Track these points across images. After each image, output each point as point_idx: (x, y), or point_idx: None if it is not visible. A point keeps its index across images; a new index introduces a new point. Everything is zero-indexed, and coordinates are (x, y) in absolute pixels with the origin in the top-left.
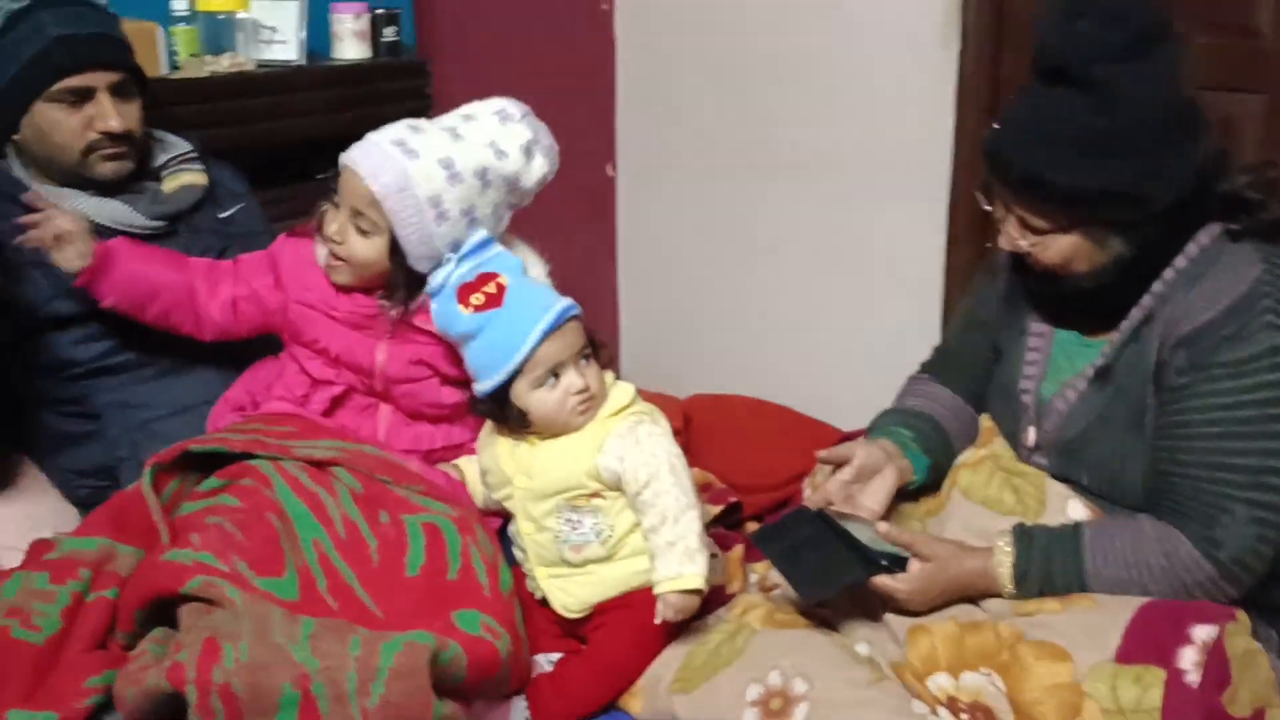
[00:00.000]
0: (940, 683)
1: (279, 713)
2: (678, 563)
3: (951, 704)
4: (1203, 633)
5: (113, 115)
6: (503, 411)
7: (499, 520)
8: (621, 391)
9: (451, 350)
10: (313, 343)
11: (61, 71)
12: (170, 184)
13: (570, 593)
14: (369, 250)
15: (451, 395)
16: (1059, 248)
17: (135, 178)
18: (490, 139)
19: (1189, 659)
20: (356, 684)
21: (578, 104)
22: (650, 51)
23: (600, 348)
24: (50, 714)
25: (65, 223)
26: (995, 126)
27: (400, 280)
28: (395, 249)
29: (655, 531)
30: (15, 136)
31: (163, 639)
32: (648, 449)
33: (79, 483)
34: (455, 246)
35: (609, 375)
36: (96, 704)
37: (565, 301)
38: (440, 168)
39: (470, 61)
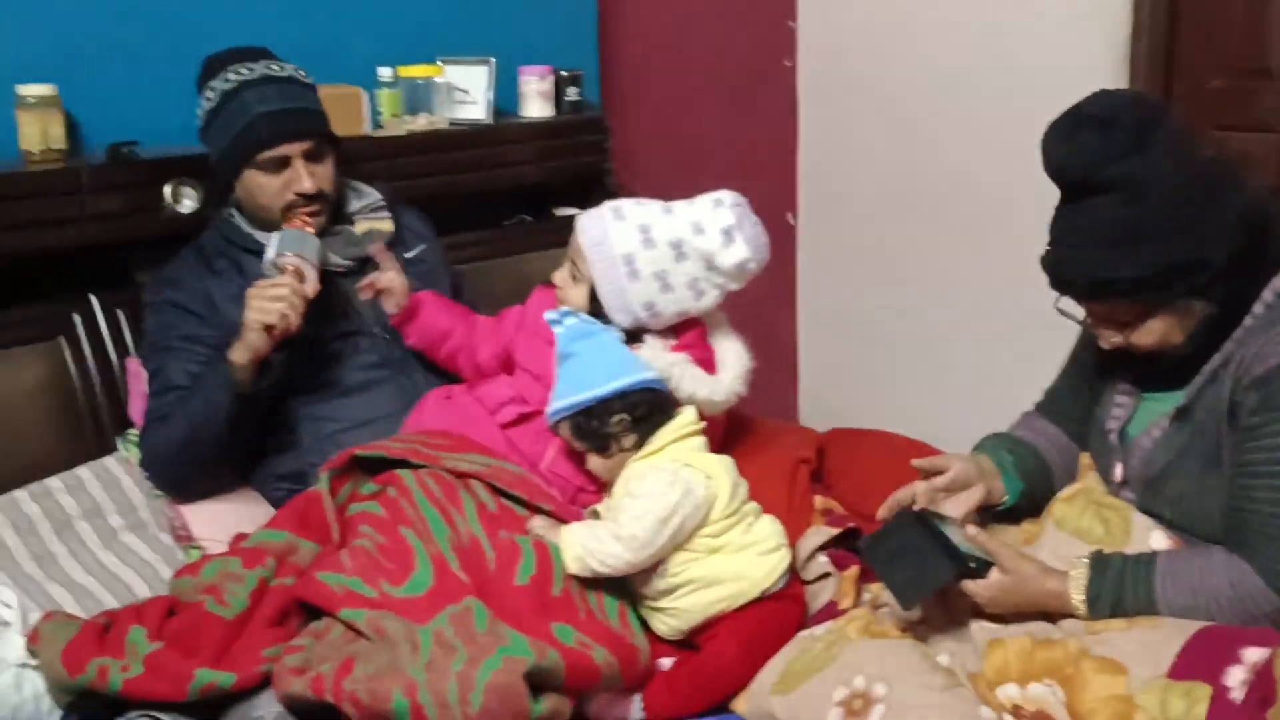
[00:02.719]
0: (1009, 692)
1: (395, 714)
2: (582, 542)
3: (1016, 711)
4: (1253, 654)
5: (306, 179)
6: None
7: None
8: (653, 443)
9: None
10: (527, 362)
11: (261, 145)
12: (361, 228)
13: (663, 621)
14: (576, 296)
15: None
16: (1152, 331)
17: (332, 221)
18: (695, 219)
19: (1236, 678)
20: (457, 695)
21: (759, 155)
22: (830, 105)
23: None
24: (230, 675)
25: (393, 278)
26: (1047, 249)
27: None
28: (595, 298)
29: (607, 516)
30: (236, 195)
31: (318, 633)
32: (648, 483)
33: (276, 486)
34: (650, 306)
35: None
36: (268, 671)
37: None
38: (638, 232)
39: (653, 118)
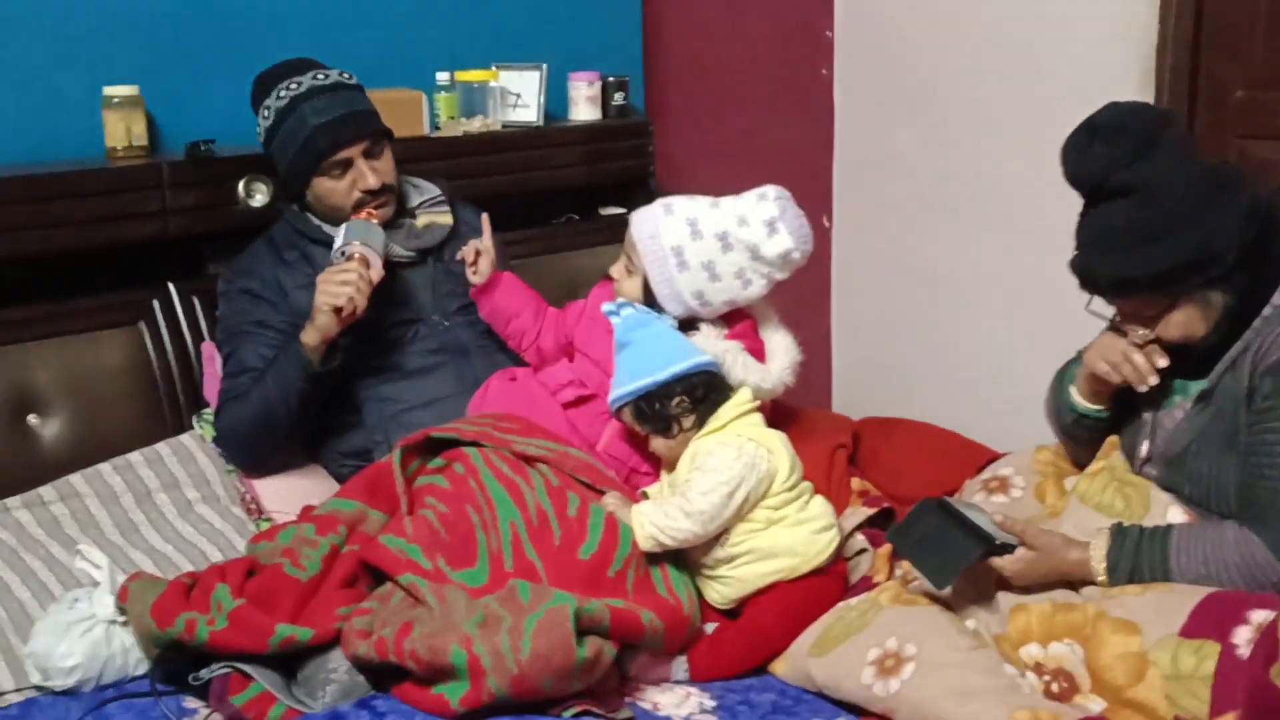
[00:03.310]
0: (1031, 651)
1: (454, 665)
2: (653, 520)
3: (1038, 669)
4: (1259, 616)
5: (370, 176)
6: None
7: None
8: (718, 417)
9: None
10: (586, 348)
11: (323, 155)
12: (422, 221)
13: (717, 590)
14: (631, 287)
15: None
16: (1177, 323)
17: (396, 215)
18: (741, 212)
19: (1242, 636)
20: (509, 644)
21: (797, 160)
22: (866, 113)
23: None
24: (308, 630)
25: (490, 244)
26: (1074, 254)
27: None
28: (648, 289)
29: (675, 494)
30: (308, 200)
31: (382, 597)
32: (714, 460)
33: (342, 462)
34: (699, 295)
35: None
36: (341, 628)
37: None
38: (686, 225)
39: (695, 123)
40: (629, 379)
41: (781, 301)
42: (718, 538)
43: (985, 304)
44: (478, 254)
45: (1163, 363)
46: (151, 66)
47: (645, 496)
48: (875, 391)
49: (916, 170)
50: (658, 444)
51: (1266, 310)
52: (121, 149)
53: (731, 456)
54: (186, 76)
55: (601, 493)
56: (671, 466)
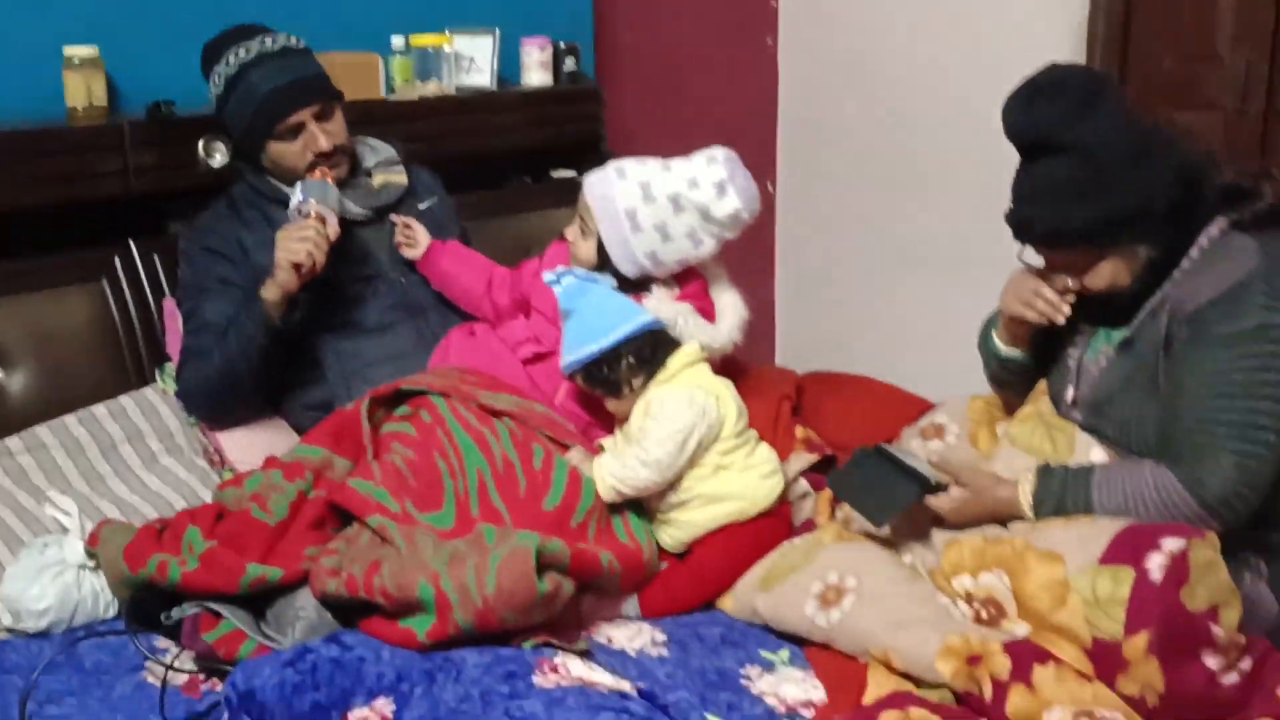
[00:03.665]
0: (963, 582)
1: (421, 600)
2: (612, 472)
3: (969, 598)
4: (1171, 544)
5: (322, 138)
6: None
7: None
8: (668, 367)
9: None
10: (541, 306)
11: (274, 120)
12: (378, 180)
13: (669, 534)
14: (585, 248)
15: None
16: (1103, 274)
17: (351, 174)
18: (692, 175)
19: (1155, 562)
20: (475, 578)
21: (741, 126)
22: (809, 81)
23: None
24: (278, 570)
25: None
26: (1010, 206)
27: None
28: (603, 250)
29: (628, 445)
30: (264, 164)
31: (349, 538)
32: (656, 405)
33: (304, 414)
34: (652, 255)
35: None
36: (309, 568)
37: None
38: (639, 188)
39: (643, 89)
40: (576, 346)
41: (728, 263)
42: (672, 484)
43: (922, 265)
44: (407, 228)
45: (1071, 298)
46: (111, 27)
47: (602, 449)
48: (817, 349)
49: (856, 136)
50: (611, 405)
51: (1185, 263)
52: (82, 109)
53: (684, 405)
54: (146, 37)
55: (565, 446)
56: (625, 420)
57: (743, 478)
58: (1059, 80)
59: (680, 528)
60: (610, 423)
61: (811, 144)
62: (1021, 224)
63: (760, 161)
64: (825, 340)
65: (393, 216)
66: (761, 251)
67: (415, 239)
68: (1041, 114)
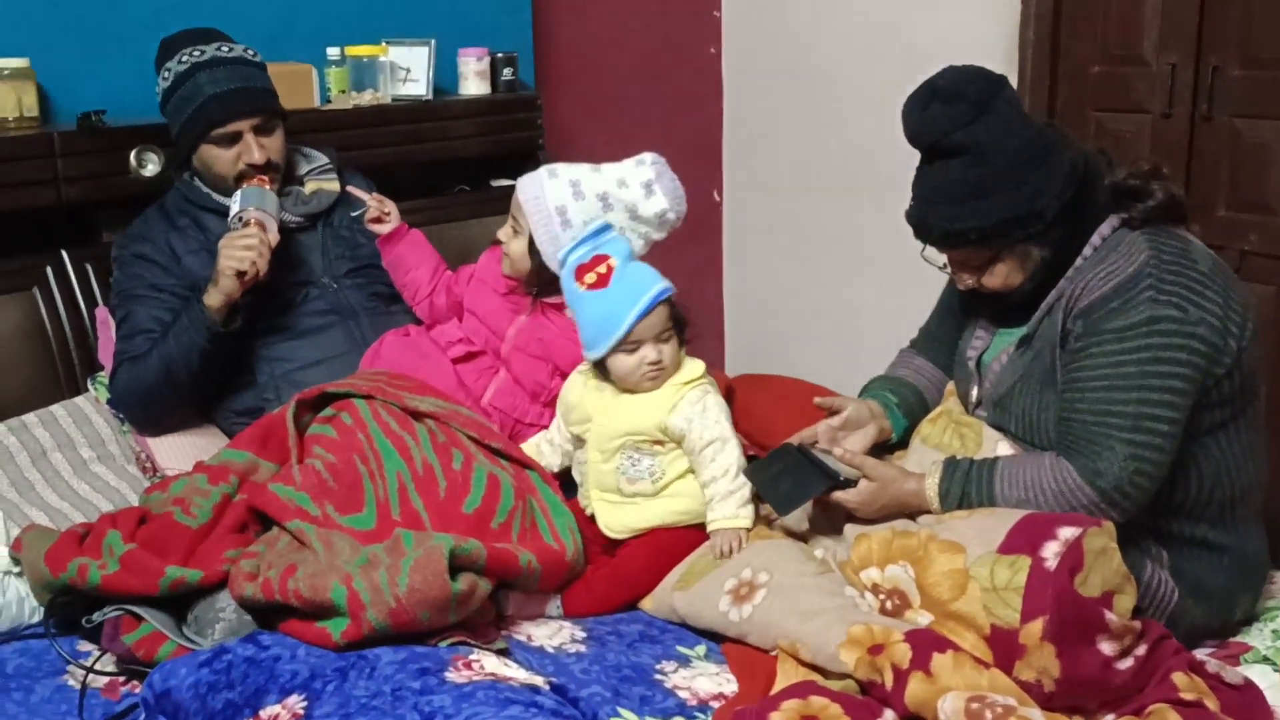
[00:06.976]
0: (870, 574)
1: (334, 602)
2: (735, 507)
3: (875, 589)
4: (1066, 532)
5: (256, 151)
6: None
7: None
8: (694, 366)
9: (572, 348)
10: (474, 306)
11: (213, 123)
12: (310, 187)
13: (615, 517)
14: (517, 246)
15: (557, 386)
16: (998, 273)
17: (285, 181)
18: (620, 175)
19: (1051, 550)
20: (387, 579)
21: (686, 136)
22: (753, 90)
23: (684, 325)
24: (197, 572)
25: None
26: (910, 205)
27: (534, 275)
28: (534, 248)
29: (716, 482)
30: (194, 165)
31: (269, 541)
32: (712, 416)
33: (235, 420)
34: None
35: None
36: (229, 571)
37: (660, 285)
38: (569, 186)
39: (586, 98)
40: (655, 280)
41: (676, 271)
42: (649, 472)
43: (866, 266)
44: (381, 202)
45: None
46: (42, 39)
47: (537, 447)
48: (766, 351)
49: (800, 145)
50: (669, 352)
51: (1078, 261)
52: (13, 120)
53: (699, 393)
54: (77, 48)
55: (489, 447)
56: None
57: (696, 485)
58: (955, 83)
59: (632, 514)
60: (539, 421)
61: (757, 153)
62: (920, 224)
63: (706, 170)
64: (773, 342)
65: (362, 194)
66: (709, 259)
67: (389, 216)
68: (938, 116)
